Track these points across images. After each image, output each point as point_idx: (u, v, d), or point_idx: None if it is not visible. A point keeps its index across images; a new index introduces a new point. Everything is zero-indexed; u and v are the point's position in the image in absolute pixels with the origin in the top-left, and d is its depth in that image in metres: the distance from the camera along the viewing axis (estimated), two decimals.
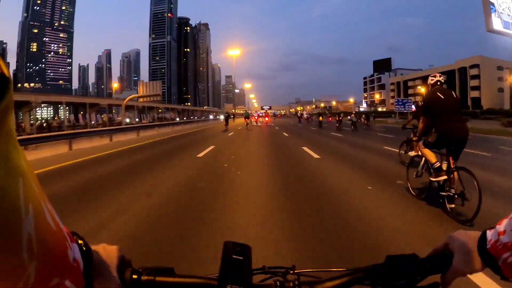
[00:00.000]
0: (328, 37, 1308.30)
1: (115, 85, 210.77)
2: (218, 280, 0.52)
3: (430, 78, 4.48)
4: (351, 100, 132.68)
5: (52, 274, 0.36)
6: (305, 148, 11.28)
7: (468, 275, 0.54)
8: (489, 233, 0.51)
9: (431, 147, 4.20)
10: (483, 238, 0.52)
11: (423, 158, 4.59)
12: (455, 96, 4.15)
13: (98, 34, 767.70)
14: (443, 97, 4.09)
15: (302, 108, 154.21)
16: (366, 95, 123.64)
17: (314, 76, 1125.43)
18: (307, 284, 0.55)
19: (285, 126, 30.64)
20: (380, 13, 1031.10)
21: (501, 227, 0.50)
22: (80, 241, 0.45)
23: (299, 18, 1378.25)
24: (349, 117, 29.16)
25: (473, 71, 72.09)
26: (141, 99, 61.90)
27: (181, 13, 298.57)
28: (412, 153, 6.60)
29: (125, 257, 0.56)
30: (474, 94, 72.29)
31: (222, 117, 60.67)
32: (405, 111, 39.28)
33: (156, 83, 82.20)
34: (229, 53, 65.14)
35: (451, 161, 3.98)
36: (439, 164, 4.09)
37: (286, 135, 18.53)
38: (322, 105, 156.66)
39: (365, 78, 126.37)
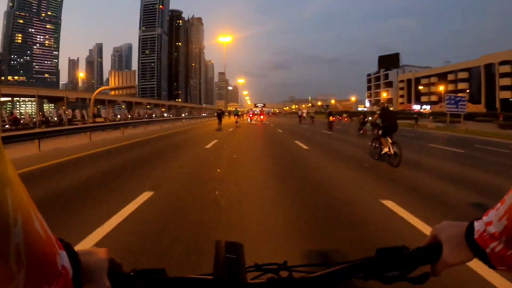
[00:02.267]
0: (320, 36, 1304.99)
1: (81, 74, 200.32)
2: (212, 280, 0.52)
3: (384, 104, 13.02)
4: (353, 98, 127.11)
5: (41, 282, 0.36)
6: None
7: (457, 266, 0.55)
8: (477, 224, 0.53)
9: (385, 134, 8.43)
10: (470, 229, 0.53)
11: (385, 143, 8.33)
12: (392, 110, 11.90)
13: (90, 27, 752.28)
14: (390, 110, 9.71)
15: (304, 106, 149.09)
16: (370, 94, 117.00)
17: (307, 75, 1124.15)
18: (300, 280, 0.55)
19: (288, 129, 24.83)
20: (372, 14, 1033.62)
21: (488, 218, 0.51)
22: (68, 248, 0.45)
23: (291, 18, 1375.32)
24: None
25: (504, 68, 63.75)
26: (112, 92, 55.41)
27: (173, 6, 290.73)
28: (385, 149, 8.41)
29: (115, 260, 0.55)
30: (504, 94, 64.49)
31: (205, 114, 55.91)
32: (457, 112, 31.47)
33: (130, 73, 74.49)
34: (220, 40, 59.46)
35: (390, 140, 8.22)
36: (386, 144, 8.29)
37: (305, 147, 12.81)
38: (319, 103, 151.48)
39: (369, 75, 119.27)
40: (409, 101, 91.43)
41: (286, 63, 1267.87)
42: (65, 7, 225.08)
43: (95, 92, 27.19)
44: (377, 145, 9.01)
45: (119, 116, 64.78)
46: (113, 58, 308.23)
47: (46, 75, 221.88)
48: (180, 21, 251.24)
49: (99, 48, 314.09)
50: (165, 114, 57.89)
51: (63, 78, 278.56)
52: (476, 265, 1.85)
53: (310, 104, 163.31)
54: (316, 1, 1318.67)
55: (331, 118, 24.19)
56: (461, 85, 74.32)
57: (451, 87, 75.37)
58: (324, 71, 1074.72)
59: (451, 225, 0.57)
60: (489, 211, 0.52)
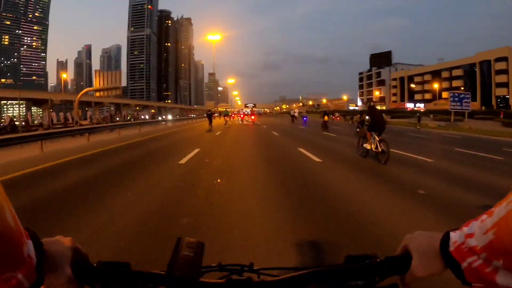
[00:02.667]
0: (311, 36, 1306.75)
1: (64, 75, 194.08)
2: (162, 276, 0.52)
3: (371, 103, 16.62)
4: (345, 97, 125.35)
5: (7, 268, 0.39)
6: None
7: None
8: (453, 235, 0.49)
9: (370, 130, 8.74)
10: (445, 240, 0.50)
11: (370, 139, 8.68)
12: (379, 108, 14.42)
13: (79, 29, 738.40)
14: (376, 108, 9.62)
15: (295, 105, 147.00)
16: (362, 92, 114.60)
17: (297, 75, 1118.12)
18: (259, 283, 0.54)
19: (284, 131, 22.51)
20: (363, 13, 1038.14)
21: (469, 229, 0.47)
22: (33, 237, 0.46)
23: (281, 17, 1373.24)
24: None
25: (500, 65, 62.47)
26: (98, 94, 52.65)
27: (162, 6, 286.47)
28: (367, 146, 8.85)
29: (80, 250, 0.56)
30: (501, 91, 63.06)
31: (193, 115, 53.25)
32: (462, 110, 30.44)
33: (115, 73, 71.02)
34: (208, 38, 56.87)
35: (377, 137, 8.37)
36: (373, 141, 8.52)
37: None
38: (311, 103, 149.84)
39: (361, 73, 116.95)
40: (402, 100, 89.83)
41: (277, 63, 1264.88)
42: (53, 8, 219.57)
43: (79, 94, 24.62)
44: (364, 143, 9.22)
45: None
46: (102, 59, 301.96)
47: (34, 77, 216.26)
48: (169, 21, 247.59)
49: (88, 49, 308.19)
50: (161, 117, 55.17)
51: (52, 80, 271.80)
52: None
53: (301, 104, 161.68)
54: (307, 1, 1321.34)
55: (325, 117, 23.47)
56: (455, 83, 72.79)
57: (445, 84, 73.83)
58: (315, 70, 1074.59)
59: (422, 235, 0.54)
60: (470, 221, 0.48)
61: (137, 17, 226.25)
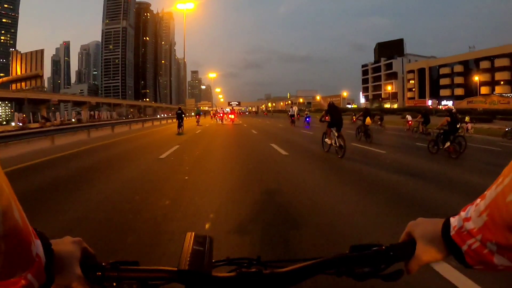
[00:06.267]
0: (293, 35, 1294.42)
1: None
2: (174, 271, 0.52)
3: (330, 101, 10.90)
4: (345, 94, 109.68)
5: (16, 268, 0.38)
6: None
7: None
8: (453, 220, 0.51)
9: (330, 126, 9.49)
10: (446, 225, 0.51)
11: (330, 134, 9.50)
12: (338, 107, 10.37)
13: (57, 25, 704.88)
14: (336, 106, 10.13)
15: (282, 103, 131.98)
16: (367, 87, 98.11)
17: (280, 74, 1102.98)
18: (269, 274, 0.55)
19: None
20: (345, 12, 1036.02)
21: (465, 213, 0.49)
22: (42, 237, 0.46)
23: (264, 16, 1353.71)
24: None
25: None
26: (14, 86, 36.47)
27: None
28: (327, 141, 9.70)
29: (89, 250, 0.56)
30: None
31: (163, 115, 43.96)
32: None
33: (35, 53, 52.30)
34: (178, 7, 42.13)
35: (336, 133, 9.12)
36: (333, 136, 9.32)
37: None
38: (301, 100, 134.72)
39: (365, 65, 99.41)
40: (422, 96, 75.13)
41: (260, 61, 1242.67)
42: (32, 3, 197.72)
43: None
44: (325, 138, 10.13)
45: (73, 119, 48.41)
46: (80, 56, 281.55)
47: (2, 74, 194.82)
48: (148, 14, 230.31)
49: (67, 46, 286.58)
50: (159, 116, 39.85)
51: None
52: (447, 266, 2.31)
53: (289, 102, 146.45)
54: (288, 0, 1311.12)
55: (368, 120, 15.41)
56: (499, 75, 58.97)
57: (484, 77, 59.99)
58: (298, 69, 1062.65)
59: (425, 221, 0.56)
60: (467, 206, 0.50)
61: (113, 8, 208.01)
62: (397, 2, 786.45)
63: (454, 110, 10.74)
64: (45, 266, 0.44)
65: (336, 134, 9.08)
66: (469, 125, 22.53)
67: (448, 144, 9.76)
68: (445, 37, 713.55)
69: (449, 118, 9.97)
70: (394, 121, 33.93)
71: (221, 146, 12.42)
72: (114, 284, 0.54)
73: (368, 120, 15.17)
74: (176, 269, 0.52)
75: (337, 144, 8.92)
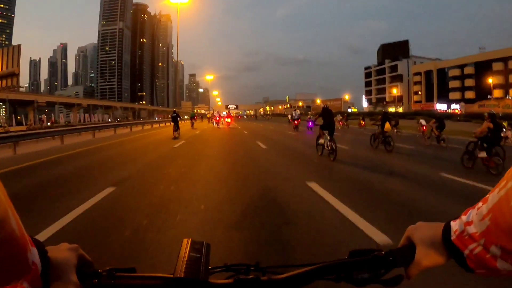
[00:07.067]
0: (291, 38, 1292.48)
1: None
2: (170, 278, 0.52)
3: (325, 105, 11.72)
4: (347, 96, 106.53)
5: (12, 276, 0.38)
6: None
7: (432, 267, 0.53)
8: (454, 224, 0.50)
9: (322, 129, 9.86)
10: (447, 230, 0.51)
11: (323, 136, 9.81)
12: (331, 110, 10.58)
13: (54, 26, 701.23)
14: (329, 110, 10.44)
15: (281, 107, 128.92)
16: (370, 90, 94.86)
17: (278, 77, 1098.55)
18: (267, 281, 0.54)
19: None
20: (342, 16, 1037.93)
21: (467, 217, 0.48)
22: (38, 245, 0.46)
23: (261, 19, 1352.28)
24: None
25: None
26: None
27: None
28: (321, 141, 9.98)
29: (85, 257, 0.55)
30: None
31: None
32: None
33: (10, 50, 47.89)
34: (171, 1, 39.61)
35: (328, 136, 9.43)
36: (325, 139, 9.57)
37: None
38: (301, 104, 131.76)
39: (368, 68, 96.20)
40: (429, 99, 71.93)
41: (257, 64, 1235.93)
42: (29, 4, 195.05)
43: None
44: (319, 140, 10.33)
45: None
46: (77, 58, 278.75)
47: None
48: (145, 16, 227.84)
49: (64, 48, 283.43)
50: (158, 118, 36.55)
51: (24, 80, 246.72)
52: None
53: (288, 105, 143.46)
54: (286, 3, 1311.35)
55: (387, 126, 13.18)
56: None
57: (498, 79, 57.00)
58: (296, 72, 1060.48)
59: (425, 226, 0.55)
60: (468, 210, 0.49)
61: (109, 9, 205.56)
62: (395, 5, 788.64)
63: (496, 113, 8.36)
64: (41, 274, 0.44)
65: (328, 137, 9.54)
66: (509, 133, 19.03)
67: (484, 154, 7.72)
68: (442, 40, 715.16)
69: (491, 124, 7.81)
70: (408, 126, 30.71)
71: (222, 152, 9.59)
72: None
73: (387, 125, 12.97)
74: (172, 276, 0.52)
75: (329, 147, 9.40)
